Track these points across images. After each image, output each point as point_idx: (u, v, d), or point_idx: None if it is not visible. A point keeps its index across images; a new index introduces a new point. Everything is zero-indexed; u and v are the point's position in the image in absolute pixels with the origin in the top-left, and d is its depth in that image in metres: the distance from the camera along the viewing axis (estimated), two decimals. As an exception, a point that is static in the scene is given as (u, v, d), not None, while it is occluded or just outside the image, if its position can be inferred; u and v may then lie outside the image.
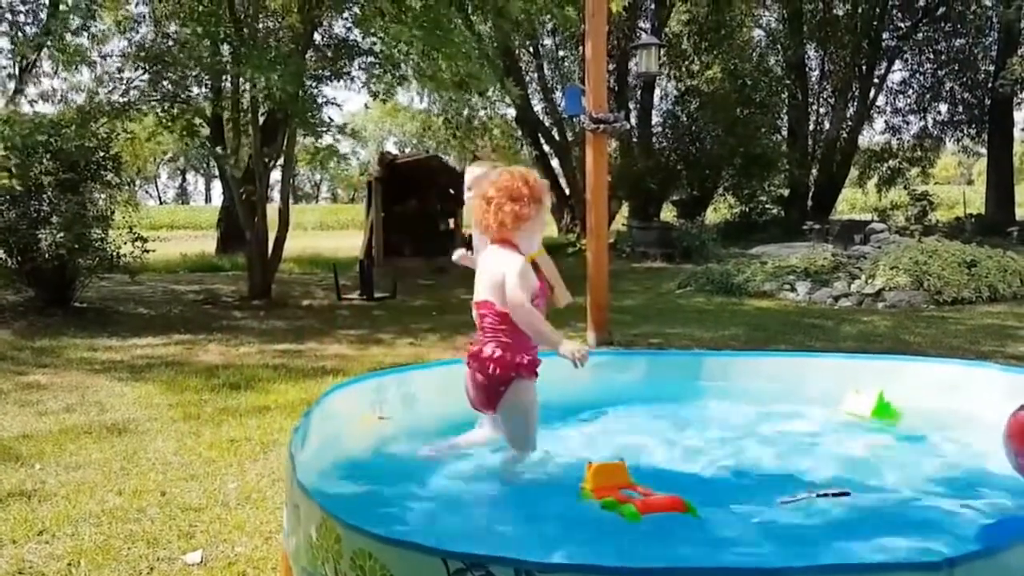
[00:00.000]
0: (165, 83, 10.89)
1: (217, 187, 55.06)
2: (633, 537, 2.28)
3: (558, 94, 23.45)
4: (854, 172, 26.91)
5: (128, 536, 3.20)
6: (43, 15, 11.75)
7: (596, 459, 2.60)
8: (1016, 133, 24.87)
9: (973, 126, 25.46)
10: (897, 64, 25.74)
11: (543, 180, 3.03)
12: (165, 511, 3.45)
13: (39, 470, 4.01)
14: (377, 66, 11.32)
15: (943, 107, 26.29)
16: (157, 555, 3.03)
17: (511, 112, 24.16)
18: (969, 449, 3.01)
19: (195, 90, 12.01)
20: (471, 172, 4.13)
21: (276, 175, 12.97)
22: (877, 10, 23.29)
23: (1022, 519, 2.42)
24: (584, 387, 3.62)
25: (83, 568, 2.94)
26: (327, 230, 39.37)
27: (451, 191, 17.15)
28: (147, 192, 62.09)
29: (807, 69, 24.99)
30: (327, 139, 10.99)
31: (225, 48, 10.99)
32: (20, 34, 11.82)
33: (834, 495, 2.48)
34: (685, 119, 23.58)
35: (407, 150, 44.58)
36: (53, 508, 3.49)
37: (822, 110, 25.44)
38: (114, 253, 9.53)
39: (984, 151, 25.82)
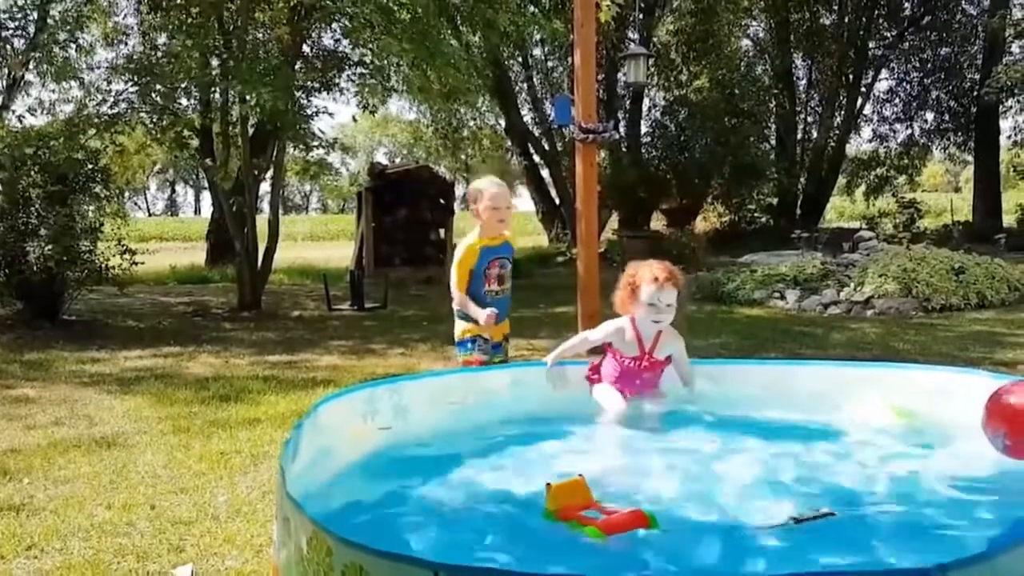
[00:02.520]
0: (154, 95, 10.88)
1: (206, 199, 55.08)
2: (615, 554, 2.22)
3: (547, 104, 23.56)
4: (842, 180, 27.09)
5: (118, 550, 3.17)
6: (31, 29, 11.72)
7: (578, 474, 2.54)
8: (1002, 140, 25.08)
9: (959, 134, 25.68)
10: (883, 73, 26.00)
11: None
12: (155, 525, 3.43)
13: (27, 484, 3.98)
14: (369, 77, 11.35)
15: (929, 115, 26.55)
16: (147, 569, 3.01)
17: (500, 122, 24.26)
18: (959, 456, 3.01)
19: (184, 102, 12.01)
20: (477, 184, 4.22)
21: (265, 186, 12.98)
22: (863, 19, 23.52)
23: (1013, 525, 2.42)
24: (573, 399, 3.60)
25: (72, 583, 2.92)
26: (317, 241, 39.28)
27: (441, 201, 17.19)
28: (136, 204, 62.04)
29: (794, 78, 25.18)
30: (318, 153, 11.01)
31: (214, 60, 10.99)
32: (9, 47, 11.79)
33: (816, 519, 2.38)
34: (674, 128, 23.71)
35: (397, 160, 44.64)
36: (42, 523, 3.46)
37: (810, 119, 25.63)
38: (103, 265, 9.50)
39: (971, 159, 26.02)
